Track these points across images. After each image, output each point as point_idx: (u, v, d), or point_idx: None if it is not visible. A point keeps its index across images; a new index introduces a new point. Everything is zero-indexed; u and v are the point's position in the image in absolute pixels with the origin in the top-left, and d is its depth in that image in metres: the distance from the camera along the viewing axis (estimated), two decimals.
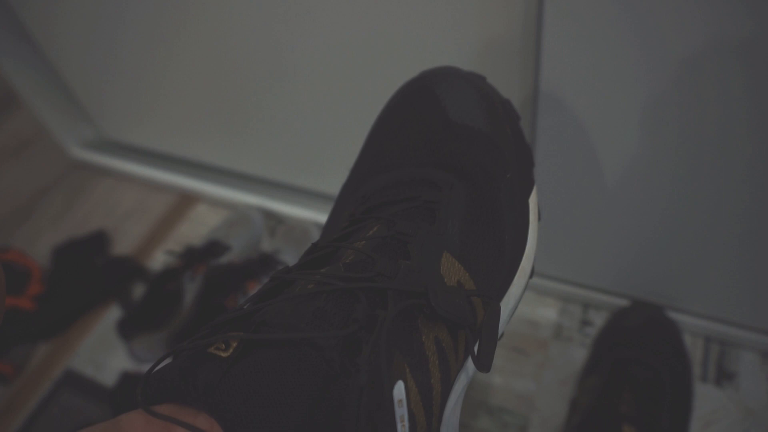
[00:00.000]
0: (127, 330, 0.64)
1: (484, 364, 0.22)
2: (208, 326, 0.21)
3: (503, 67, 0.49)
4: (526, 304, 0.67)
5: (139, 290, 0.74)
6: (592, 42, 0.40)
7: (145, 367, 0.65)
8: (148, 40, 0.70)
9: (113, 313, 0.76)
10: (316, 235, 0.73)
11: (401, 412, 0.19)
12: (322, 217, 0.77)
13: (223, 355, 0.19)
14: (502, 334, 0.27)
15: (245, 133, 0.76)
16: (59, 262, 0.83)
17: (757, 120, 0.40)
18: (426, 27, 0.50)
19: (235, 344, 0.19)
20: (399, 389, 0.19)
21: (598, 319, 0.64)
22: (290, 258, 0.70)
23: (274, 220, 0.82)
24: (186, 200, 0.90)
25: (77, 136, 0.99)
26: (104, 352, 0.73)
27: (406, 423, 0.19)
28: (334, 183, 0.76)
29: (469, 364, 0.24)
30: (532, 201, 0.30)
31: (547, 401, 0.59)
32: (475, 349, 0.23)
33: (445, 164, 0.28)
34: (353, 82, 0.60)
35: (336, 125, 0.67)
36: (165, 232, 0.87)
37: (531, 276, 0.30)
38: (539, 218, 0.31)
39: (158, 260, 0.82)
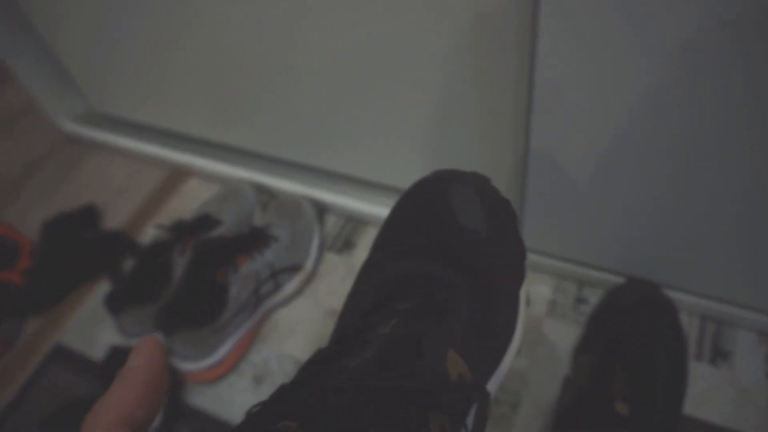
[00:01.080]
0: (115, 304, 0.64)
1: None
2: (263, 405, 0.25)
3: (499, 45, 0.48)
4: None
5: (129, 265, 0.73)
6: (588, 21, 0.39)
7: (133, 342, 0.64)
8: (141, 13, 0.68)
9: (103, 288, 0.75)
10: (309, 209, 0.72)
11: None
12: (314, 192, 0.76)
13: None
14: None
15: (238, 106, 0.75)
16: (49, 236, 0.82)
17: (756, 101, 0.39)
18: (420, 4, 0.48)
19: None
20: None
21: (593, 297, 0.64)
22: (282, 232, 0.68)
23: (266, 194, 0.81)
24: (178, 175, 0.89)
25: (68, 110, 0.97)
26: (94, 327, 0.72)
27: None
28: (326, 157, 0.75)
29: None
30: (522, 292, 0.35)
31: (540, 378, 0.59)
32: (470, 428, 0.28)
33: (453, 263, 0.32)
34: (346, 55, 0.58)
35: (329, 99, 0.65)
36: (156, 206, 0.85)
37: (517, 354, 0.35)
38: (528, 304, 0.37)
39: (149, 235, 0.81)
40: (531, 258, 0.65)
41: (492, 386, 0.32)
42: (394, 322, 0.29)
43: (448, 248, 0.33)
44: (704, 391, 0.56)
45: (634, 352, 0.50)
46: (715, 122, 0.42)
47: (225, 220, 0.72)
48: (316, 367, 0.27)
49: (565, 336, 0.61)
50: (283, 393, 0.26)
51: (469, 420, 0.27)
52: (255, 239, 0.67)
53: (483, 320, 0.31)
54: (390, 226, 0.36)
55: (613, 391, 0.47)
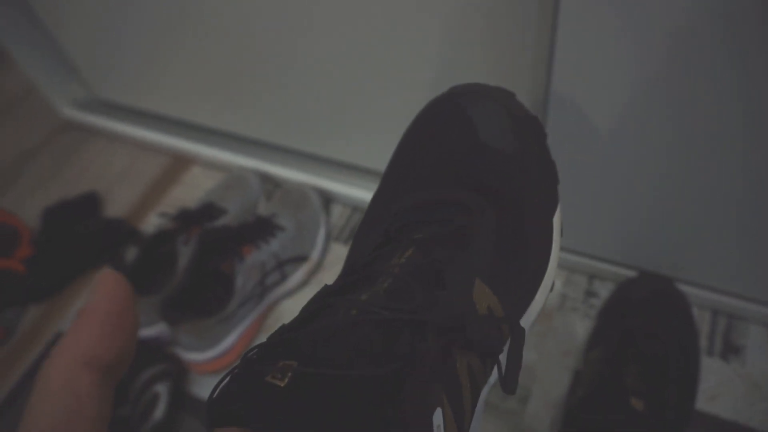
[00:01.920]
0: None
1: (510, 387, 0.24)
2: (260, 348, 0.22)
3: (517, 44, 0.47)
4: None
5: (131, 254, 0.72)
6: (605, 26, 0.38)
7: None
8: None
9: None
10: (315, 198, 0.71)
11: None
12: (320, 181, 0.75)
13: (280, 384, 0.19)
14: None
15: (243, 93, 0.73)
16: (50, 223, 0.80)
17: None
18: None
19: (290, 374, 0.20)
20: (438, 416, 0.20)
21: (603, 291, 0.63)
22: (288, 222, 0.67)
23: (271, 183, 0.80)
24: (180, 162, 0.88)
25: (68, 96, 0.95)
26: None
27: None
28: (332, 146, 0.74)
29: (492, 377, 0.26)
30: (556, 219, 0.31)
31: (549, 372, 0.58)
32: (503, 369, 0.24)
33: (477, 186, 0.28)
34: (353, 43, 0.57)
35: (336, 87, 0.64)
36: (158, 195, 0.84)
37: (552, 289, 0.31)
38: (561, 234, 0.32)
39: (151, 223, 0.80)
40: None
41: (525, 322, 0.28)
42: (410, 252, 0.25)
43: (470, 171, 0.29)
44: (715, 385, 0.55)
45: (648, 346, 0.49)
46: (732, 111, 0.41)
47: (230, 209, 0.71)
48: (321, 303, 0.24)
49: (575, 329, 0.61)
50: (283, 332, 0.23)
51: (503, 358, 0.24)
52: (260, 229, 0.66)
53: (513, 249, 0.27)
54: (403, 151, 0.32)
55: (627, 386, 0.46)
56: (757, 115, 0.41)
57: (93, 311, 0.20)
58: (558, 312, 0.62)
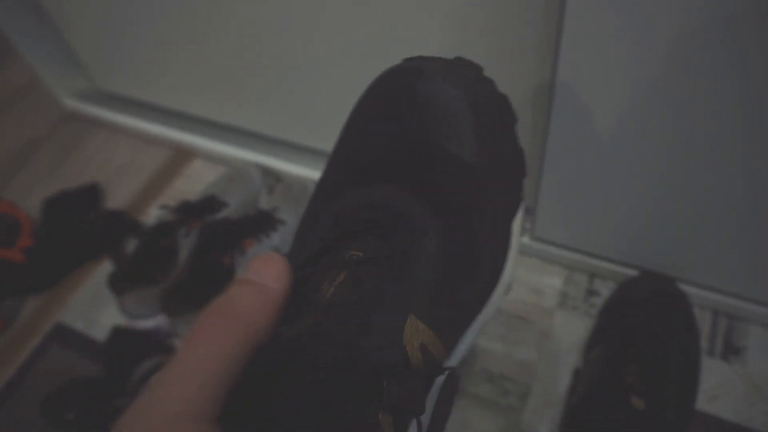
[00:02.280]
0: (118, 284, 0.62)
1: None
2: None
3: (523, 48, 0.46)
4: (531, 272, 0.65)
5: (131, 245, 0.72)
6: (609, 25, 0.37)
7: (137, 324, 0.63)
8: None
9: (105, 268, 0.74)
10: None
11: None
12: (314, 174, 0.75)
13: None
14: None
15: (245, 87, 0.73)
16: (50, 214, 0.80)
17: None
18: None
19: None
20: None
21: (604, 289, 0.63)
22: (288, 216, 0.67)
23: (272, 177, 0.79)
24: (182, 155, 0.87)
25: (71, 87, 0.95)
26: (96, 308, 0.71)
27: None
28: (334, 141, 0.74)
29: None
30: (516, 223, 0.29)
31: (549, 370, 0.58)
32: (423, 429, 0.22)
33: (426, 194, 0.25)
34: (356, 36, 0.57)
35: (339, 82, 0.64)
36: (160, 187, 0.84)
37: (507, 292, 0.29)
38: (522, 233, 0.29)
39: (152, 216, 0.79)
40: (542, 249, 0.64)
41: (473, 331, 0.27)
42: (342, 278, 0.23)
43: (420, 174, 0.25)
44: (716, 386, 0.55)
45: (648, 346, 0.49)
46: (732, 112, 0.41)
47: (231, 202, 0.71)
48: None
49: (575, 328, 0.60)
50: None
51: (428, 402, 0.22)
52: (262, 222, 0.66)
53: (460, 271, 0.25)
54: (350, 131, 0.28)
55: (628, 386, 0.46)
56: (757, 116, 0.40)
57: (261, 284, 0.21)
58: (559, 310, 0.62)
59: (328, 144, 0.74)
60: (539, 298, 0.63)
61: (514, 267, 0.29)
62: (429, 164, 0.25)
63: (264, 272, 0.21)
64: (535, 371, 0.58)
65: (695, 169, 0.47)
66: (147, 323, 0.63)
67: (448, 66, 0.26)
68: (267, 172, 0.79)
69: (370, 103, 0.28)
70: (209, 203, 0.69)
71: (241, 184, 0.74)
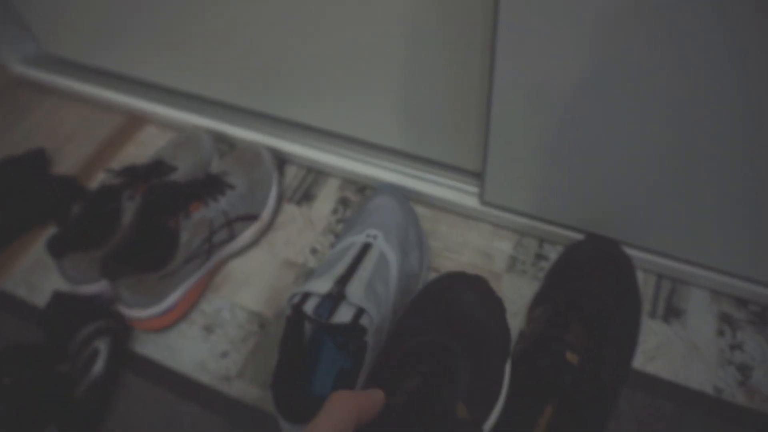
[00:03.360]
0: (58, 248, 0.61)
1: None
2: None
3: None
4: (482, 236, 0.65)
5: (76, 210, 0.70)
6: None
7: (78, 289, 0.62)
8: None
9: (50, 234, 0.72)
10: (268, 158, 0.70)
11: None
12: (274, 141, 0.73)
13: None
14: None
15: (198, 52, 0.71)
16: None
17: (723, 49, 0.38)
18: None
19: None
20: None
21: (553, 254, 0.63)
22: (239, 180, 0.66)
23: (226, 144, 0.78)
24: (134, 121, 0.85)
25: (18, 51, 0.92)
26: (39, 275, 0.69)
27: None
28: (288, 107, 0.72)
29: None
30: (507, 367, 0.45)
31: None
32: None
33: (460, 339, 0.43)
34: (309, 2, 0.55)
35: (291, 48, 0.62)
36: (110, 153, 0.82)
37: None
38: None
39: (100, 181, 0.77)
40: (493, 213, 0.64)
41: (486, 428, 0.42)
42: (417, 380, 0.38)
43: (456, 327, 0.44)
44: (656, 347, 0.56)
45: (589, 305, 0.49)
46: (673, 78, 0.41)
47: (180, 166, 0.70)
48: None
49: (523, 292, 0.61)
50: None
51: None
52: (209, 186, 0.64)
53: (480, 382, 0.41)
54: (412, 310, 0.48)
55: (565, 342, 0.46)
56: (702, 81, 0.40)
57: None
58: (507, 274, 0.62)
59: (282, 110, 0.73)
60: (489, 262, 0.63)
61: (505, 394, 0.44)
62: (460, 322, 0.45)
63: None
64: None
65: (639, 132, 0.47)
66: (89, 288, 0.62)
67: (471, 276, 0.48)
68: (220, 138, 0.77)
69: (425, 292, 0.49)
70: (157, 167, 0.68)
71: (191, 148, 0.72)
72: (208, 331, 0.62)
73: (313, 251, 0.67)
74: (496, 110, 0.52)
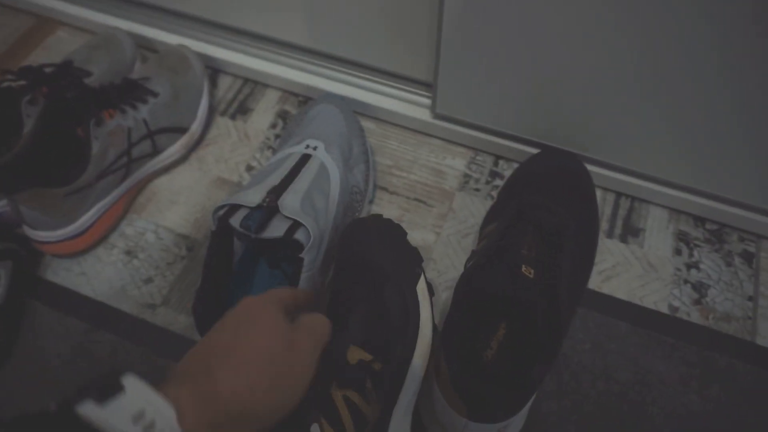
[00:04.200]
0: None
1: None
2: None
3: None
4: (433, 153, 0.60)
5: None
6: None
7: None
8: None
9: None
10: (196, 63, 0.61)
11: None
12: (206, 48, 0.65)
13: None
14: None
15: None
16: None
17: None
18: None
19: None
20: (315, 428, 0.33)
21: (509, 171, 0.59)
22: (162, 87, 0.58)
23: (150, 49, 0.69)
24: (42, 24, 0.74)
25: None
26: None
27: None
28: (220, 8, 0.64)
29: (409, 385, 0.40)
30: (420, 287, 0.43)
31: (446, 253, 0.54)
32: None
33: (352, 284, 0.42)
34: None
35: None
36: (14, 59, 0.71)
37: (434, 333, 0.43)
38: (432, 294, 0.45)
39: None
40: (446, 127, 0.59)
41: (416, 368, 0.41)
42: None
43: (349, 273, 0.43)
44: (612, 266, 0.54)
45: (544, 218, 0.45)
46: None
47: (94, 71, 0.61)
48: None
49: (477, 210, 0.57)
50: None
51: (367, 387, 0.36)
52: (126, 91, 0.56)
53: (378, 319, 0.39)
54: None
55: (520, 256, 0.43)
56: None
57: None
58: (459, 193, 0.58)
59: (206, 11, 0.64)
60: (440, 180, 0.58)
61: (430, 316, 0.44)
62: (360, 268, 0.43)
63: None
64: (431, 255, 0.54)
65: (596, 36, 0.43)
66: None
67: (368, 219, 0.46)
68: (145, 45, 0.68)
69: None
70: (65, 70, 0.58)
71: (108, 51, 0.63)
72: (129, 256, 0.56)
73: (249, 168, 0.60)
74: (449, 12, 0.46)
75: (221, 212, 0.43)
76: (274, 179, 0.46)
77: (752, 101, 0.43)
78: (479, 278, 0.41)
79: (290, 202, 0.43)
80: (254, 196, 0.43)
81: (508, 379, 0.40)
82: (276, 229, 0.42)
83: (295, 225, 0.42)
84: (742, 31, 0.39)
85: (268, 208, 0.42)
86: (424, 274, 0.44)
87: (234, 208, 0.43)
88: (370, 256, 0.42)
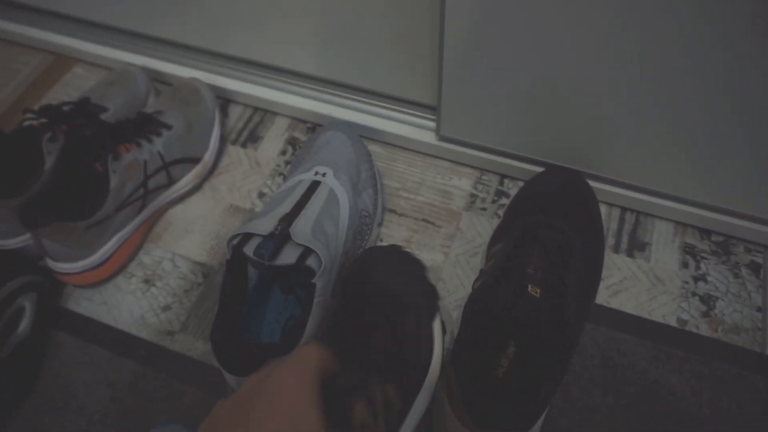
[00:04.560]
0: None
1: None
2: None
3: None
4: (439, 174, 0.62)
5: None
6: None
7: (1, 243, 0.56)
8: None
9: None
10: (207, 95, 0.64)
11: None
12: (216, 79, 0.67)
13: None
14: None
15: None
16: None
17: None
18: None
19: None
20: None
21: (515, 190, 0.60)
22: (175, 119, 0.60)
23: (164, 83, 0.71)
24: (60, 61, 0.77)
25: None
26: None
27: None
28: (230, 42, 0.66)
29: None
30: (437, 325, 0.43)
31: (455, 272, 0.55)
32: None
33: (374, 315, 0.41)
34: None
35: None
36: (33, 97, 0.74)
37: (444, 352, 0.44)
38: (444, 332, 0.44)
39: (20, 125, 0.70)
40: (451, 149, 0.60)
41: (422, 399, 0.40)
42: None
43: (371, 304, 0.41)
44: (619, 281, 0.54)
45: (549, 237, 0.47)
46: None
47: (110, 106, 0.63)
48: None
49: (483, 230, 0.58)
50: None
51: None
52: (141, 125, 0.58)
53: (403, 352, 0.39)
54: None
55: (526, 276, 0.44)
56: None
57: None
58: (466, 213, 0.59)
59: (220, 44, 0.66)
60: (447, 201, 0.60)
61: (441, 352, 0.43)
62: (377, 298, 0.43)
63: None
64: (440, 274, 0.55)
65: (599, 55, 0.44)
66: (10, 242, 0.56)
67: (386, 249, 0.45)
68: (158, 79, 0.71)
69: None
70: (83, 107, 0.61)
71: (123, 87, 0.66)
72: (148, 284, 0.57)
73: (261, 195, 0.62)
74: (450, 36, 0.48)
75: (235, 241, 0.44)
76: (286, 207, 0.47)
77: (754, 112, 0.44)
78: (486, 299, 0.42)
79: (301, 229, 0.45)
80: (267, 225, 0.45)
81: (517, 397, 0.40)
82: (288, 256, 0.43)
83: (307, 251, 0.44)
84: (743, 38, 0.39)
85: (281, 236, 0.44)
86: (439, 311, 0.44)
87: (247, 236, 0.45)
88: (391, 285, 0.42)
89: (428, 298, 0.44)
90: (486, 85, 0.51)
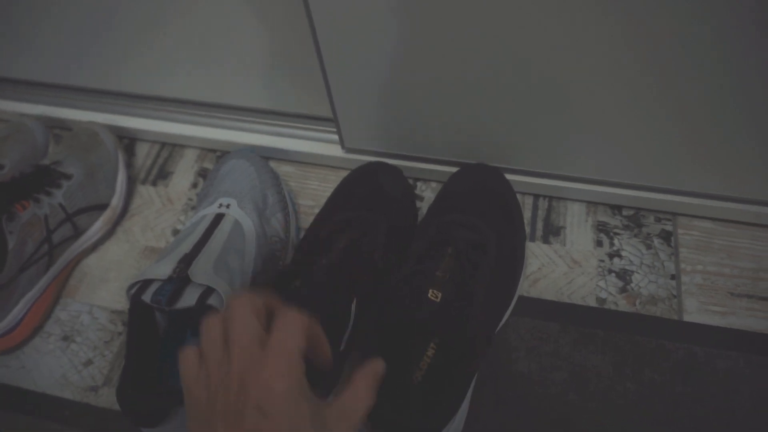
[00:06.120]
0: None
1: None
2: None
3: None
4: None
5: None
6: None
7: None
8: None
9: None
10: (107, 138, 0.62)
11: None
12: (117, 119, 0.66)
13: None
14: None
15: (16, 29, 0.61)
16: None
17: None
18: None
19: None
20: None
21: (429, 192, 0.60)
22: (75, 168, 0.58)
23: (65, 128, 0.69)
24: None
25: None
26: None
27: None
28: (126, 79, 0.64)
29: None
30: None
31: None
32: None
33: (378, 209, 0.51)
34: None
35: (126, 16, 0.54)
36: None
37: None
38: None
39: None
40: (359, 159, 0.60)
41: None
42: (345, 241, 0.48)
43: (376, 202, 0.52)
44: (538, 268, 0.55)
45: (462, 236, 0.46)
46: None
47: (5, 163, 0.60)
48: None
49: None
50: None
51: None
52: (37, 179, 0.56)
53: (395, 239, 0.50)
54: (340, 189, 0.56)
55: (432, 279, 0.43)
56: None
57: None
58: None
59: (113, 83, 0.65)
60: None
61: None
62: (381, 200, 0.53)
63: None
64: None
65: (476, 47, 0.44)
66: None
67: (387, 165, 0.56)
68: (57, 125, 0.69)
69: (349, 179, 0.57)
70: None
71: (18, 140, 0.63)
72: (67, 341, 0.55)
73: (175, 232, 0.61)
74: (324, 45, 0.47)
75: (133, 290, 0.43)
76: (186, 246, 0.46)
77: (641, 86, 0.44)
78: (388, 306, 0.42)
79: (202, 268, 0.44)
80: (165, 268, 0.43)
81: (425, 403, 0.40)
82: (188, 299, 0.42)
83: (209, 290, 0.43)
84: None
85: (179, 279, 0.43)
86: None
87: (147, 282, 0.43)
88: (395, 194, 0.54)
89: (412, 206, 0.57)
90: (373, 91, 0.51)
